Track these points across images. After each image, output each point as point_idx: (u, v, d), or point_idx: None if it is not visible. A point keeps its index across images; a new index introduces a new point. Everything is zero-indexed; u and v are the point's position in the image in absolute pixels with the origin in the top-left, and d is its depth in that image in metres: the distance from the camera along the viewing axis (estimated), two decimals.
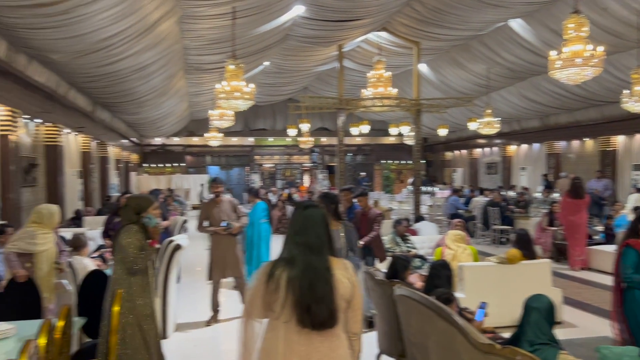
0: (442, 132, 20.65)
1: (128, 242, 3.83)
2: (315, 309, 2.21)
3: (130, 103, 13.50)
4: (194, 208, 22.31)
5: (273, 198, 16.64)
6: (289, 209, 14.63)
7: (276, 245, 8.76)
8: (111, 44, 8.22)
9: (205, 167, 27.03)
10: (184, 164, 26.34)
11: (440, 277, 4.47)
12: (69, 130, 12.65)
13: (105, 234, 6.68)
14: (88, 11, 6.68)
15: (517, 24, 12.44)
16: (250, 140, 26.85)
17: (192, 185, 23.74)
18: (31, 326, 3.55)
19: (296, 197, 17.08)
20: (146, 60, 9.96)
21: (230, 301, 6.81)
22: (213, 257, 6.45)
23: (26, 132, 10.29)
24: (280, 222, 14.73)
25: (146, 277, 3.94)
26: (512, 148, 21.32)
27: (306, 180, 27.14)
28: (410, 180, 24.28)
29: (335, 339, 2.29)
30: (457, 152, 26.44)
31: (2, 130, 8.49)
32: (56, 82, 9.66)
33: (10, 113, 8.54)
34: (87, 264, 5.24)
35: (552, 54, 7.34)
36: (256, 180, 25.65)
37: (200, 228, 6.58)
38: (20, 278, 4.39)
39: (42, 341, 2.62)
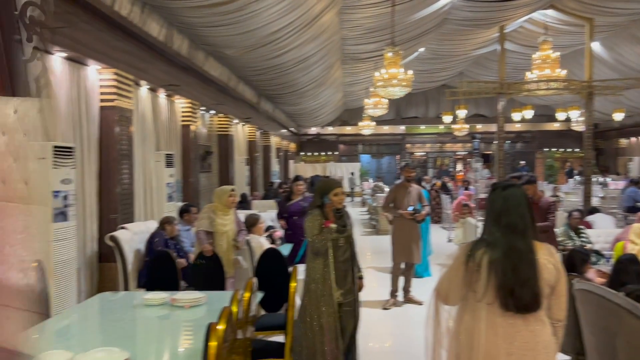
0: (618, 116, 18.66)
1: (308, 226, 4.01)
2: (519, 292, 2.14)
3: (292, 94, 14.19)
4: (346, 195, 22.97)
5: (426, 187, 16.39)
6: (443, 197, 14.33)
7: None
8: (278, 38, 8.69)
9: (357, 156, 27.55)
10: (337, 153, 27.08)
11: (629, 272, 4.05)
12: (238, 121, 13.67)
13: (280, 216, 7.11)
14: (259, 7, 7.14)
15: None
16: (401, 128, 26.75)
17: (345, 173, 24.36)
18: (218, 296, 3.90)
19: (450, 186, 16.65)
20: (308, 52, 10.38)
21: (387, 285, 6.84)
22: (395, 241, 6.53)
23: (202, 122, 11.32)
24: (434, 210, 14.46)
25: (327, 259, 4.03)
26: None
27: (459, 168, 26.33)
28: (567, 169, 22.41)
29: (539, 324, 2.21)
30: (633, 139, 23.70)
31: (184, 121, 9.44)
32: (228, 76, 10.49)
33: (190, 105, 9.46)
34: (263, 242, 5.65)
35: None
36: None
37: (386, 209, 6.70)
38: (207, 253, 4.88)
39: (235, 309, 2.89)
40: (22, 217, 2.63)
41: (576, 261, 4.51)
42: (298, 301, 4.00)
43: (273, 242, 6.57)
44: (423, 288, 6.68)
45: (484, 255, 2.21)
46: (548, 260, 2.23)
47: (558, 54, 12.05)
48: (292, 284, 3.71)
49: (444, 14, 12.49)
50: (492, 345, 2.19)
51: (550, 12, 13.38)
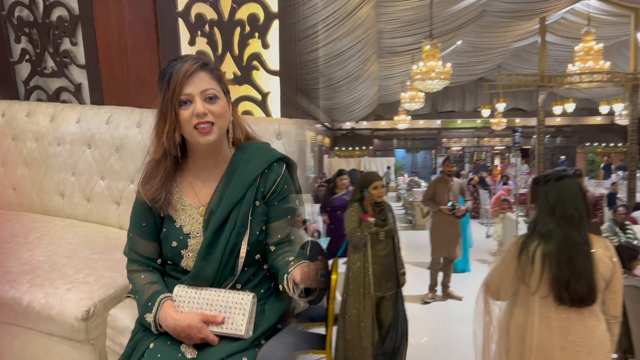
0: None
1: (347, 219, 4.00)
2: (574, 285, 2.09)
3: (327, 89, 14.18)
4: None
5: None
6: (481, 193, 14.10)
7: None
8: (314, 32, 8.69)
9: (392, 150, 27.32)
10: (372, 147, 26.93)
11: None
12: None
13: (323, 209, 7.10)
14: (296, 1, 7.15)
15: None
16: (437, 122, 26.41)
17: (380, 168, 24.20)
18: None
19: (488, 181, 16.35)
20: (344, 45, 10.36)
21: (424, 280, 6.77)
22: (434, 236, 6.46)
23: None
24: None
25: (366, 253, 3.99)
26: None
27: (496, 163, 25.86)
28: (604, 164, 21.72)
29: (593, 319, 2.15)
30: None
31: None
32: None
33: None
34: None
35: None
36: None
37: (425, 202, 6.63)
38: None
39: None
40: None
41: (624, 257, 4.36)
42: (338, 295, 4.00)
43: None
44: (462, 283, 6.61)
45: (537, 248, 2.16)
46: (604, 254, 2.17)
47: (601, 45, 11.73)
48: (333, 277, 3.70)
49: (483, 5, 12.28)
50: (545, 340, 2.14)
51: (594, 2, 13.00)
